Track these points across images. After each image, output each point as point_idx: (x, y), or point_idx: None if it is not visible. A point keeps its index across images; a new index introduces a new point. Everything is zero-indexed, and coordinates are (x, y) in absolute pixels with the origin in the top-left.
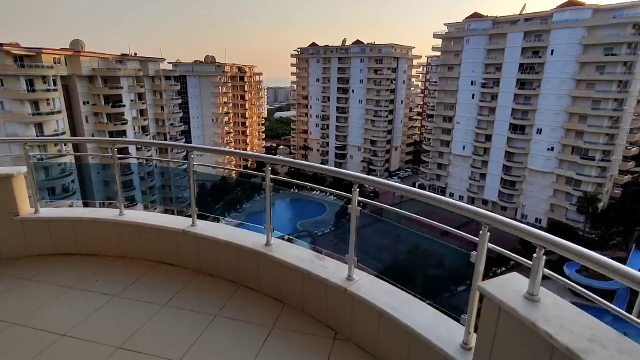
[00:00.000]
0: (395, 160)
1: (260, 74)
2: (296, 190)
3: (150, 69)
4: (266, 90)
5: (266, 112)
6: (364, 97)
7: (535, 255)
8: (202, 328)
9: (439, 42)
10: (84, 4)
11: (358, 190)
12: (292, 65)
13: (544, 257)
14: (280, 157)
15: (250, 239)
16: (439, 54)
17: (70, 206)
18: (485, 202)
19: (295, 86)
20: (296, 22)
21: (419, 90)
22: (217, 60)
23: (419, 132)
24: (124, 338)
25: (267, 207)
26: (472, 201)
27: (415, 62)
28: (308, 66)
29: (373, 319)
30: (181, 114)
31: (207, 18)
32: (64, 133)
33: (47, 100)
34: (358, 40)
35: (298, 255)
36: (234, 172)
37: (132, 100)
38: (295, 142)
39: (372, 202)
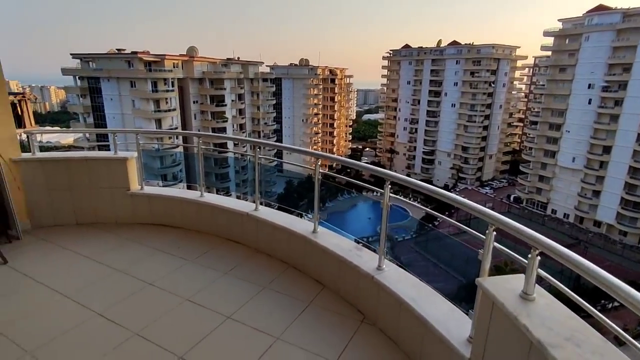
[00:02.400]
0: (489, 169)
1: (350, 76)
2: (377, 193)
3: (249, 72)
4: (356, 92)
5: (354, 114)
6: (457, 100)
7: (529, 255)
8: (252, 294)
9: (549, 41)
10: (198, 10)
11: (390, 186)
12: (383, 67)
13: (538, 258)
14: (323, 153)
15: (300, 225)
16: (548, 53)
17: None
18: (597, 224)
19: (384, 88)
20: (390, 25)
21: (522, 94)
22: (310, 63)
23: (519, 140)
24: (192, 292)
25: (315, 199)
26: (580, 220)
27: (519, 63)
28: (399, 68)
29: (395, 307)
30: (274, 114)
31: (304, 21)
32: (176, 128)
33: (166, 99)
34: (454, 41)
35: (338, 243)
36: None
37: (232, 100)
38: (382, 145)
39: (398, 197)
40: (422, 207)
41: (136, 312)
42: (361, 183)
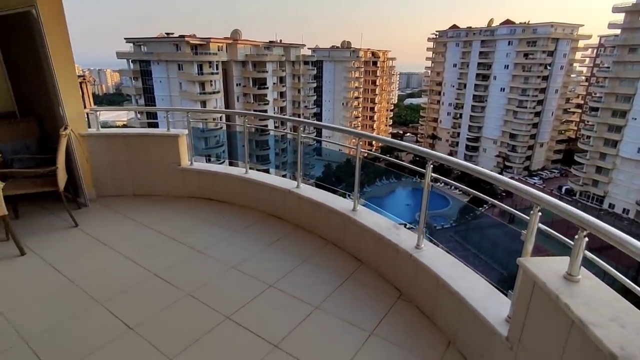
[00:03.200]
0: (539, 158)
1: (393, 59)
2: (417, 179)
3: (291, 54)
4: (398, 76)
5: (396, 98)
6: (508, 84)
7: (576, 236)
8: (293, 266)
9: (618, 17)
10: None
11: (432, 166)
12: (428, 49)
13: (585, 239)
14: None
15: (339, 203)
16: (617, 31)
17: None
18: None
19: (428, 71)
20: (437, 5)
21: (582, 78)
22: (352, 46)
23: (575, 128)
24: (237, 261)
25: (356, 177)
26: None
27: (581, 43)
28: (445, 50)
29: (432, 284)
30: (315, 97)
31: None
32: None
33: (211, 81)
34: (508, 20)
35: (377, 222)
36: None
37: (274, 83)
38: (423, 130)
39: (448, 180)
40: (468, 189)
41: (188, 275)
42: (404, 163)
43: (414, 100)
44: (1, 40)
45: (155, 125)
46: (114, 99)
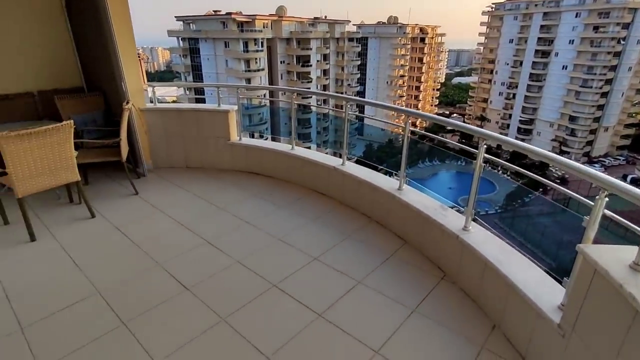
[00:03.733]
0: (602, 144)
1: (442, 35)
2: (462, 162)
3: (336, 31)
4: (447, 53)
5: (443, 77)
6: (571, 61)
7: None
8: (336, 242)
9: None
10: None
11: (485, 147)
12: (482, 24)
13: None
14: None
15: (385, 182)
16: None
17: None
18: None
19: (481, 48)
20: None
21: None
22: (399, 21)
23: None
24: (282, 233)
25: (403, 155)
26: None
27: None
28: (501, 24)
29: (478, 267)
30: (358, 75)
31: None
32: None
33: (255, 59)
34: None
35: (423, 202)
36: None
37: (317, 61)
38: (471, 111)
39: (500, 160)
40: (526, 172)
41: (237, 244)
42: (456, 143)
43: (463, 79)
44: (72, 17)
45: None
46: (164, 76)
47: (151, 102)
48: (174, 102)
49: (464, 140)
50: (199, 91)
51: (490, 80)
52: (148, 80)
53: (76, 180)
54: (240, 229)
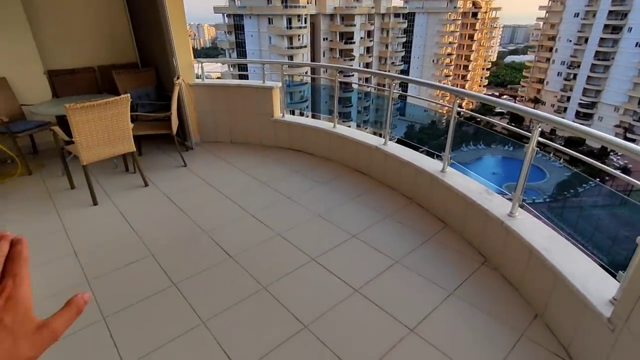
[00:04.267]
0: None
1: (497, 9)
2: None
3: (381, 6)
4: (501, 29)
5: (495, 55)
6: None
7: None
8: (375, 220)
9: None
10: None
11: (539, 130)
12: None
13: None
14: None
15: (427, 163)
16: None
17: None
18: None
19: (540, 23)
20: None
21: None
22: None
23: None
24: (322, 210)
25: (449, 137)
26: None
27: None
28: None
29: (523, 254)
30: (403, 53)
31: None
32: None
33: (298, 36)
34: None
35: (467, 185)
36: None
37: (361, 38)
38: (524, 93)
39: (555, 144)
40: (589, 159)
41: (278, 217)
42: (507, 125)
43: (517, 58)
44: None
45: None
46: (209, 52)
47: (198, 77)
48: (218, 78)
49: (513, 124)
50: (242, 68)
51: (548, 59)
52: (194, 57)
53: (132, 150)
54: (281, 203)
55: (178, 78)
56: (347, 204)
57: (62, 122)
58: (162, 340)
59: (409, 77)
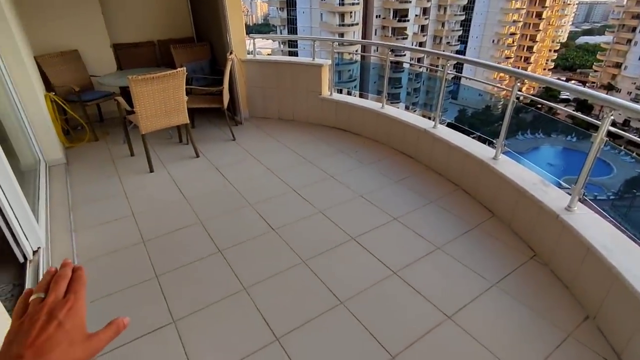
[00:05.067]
0: None
1: None
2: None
3: None
4: (575, 6)
5: (566, 35)
6: None
7: None
8: (418, 205)
9: None
10: None
11: (612, 118)
12: None
13: None
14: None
15: (478, 149)
16: None
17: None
18: None
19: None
20: None
21: None
22: None
23: None
24: (365, 191)
25: (505, 123)
26: None
27: None
28: None
29: (579, 251)
30: (460, 32)
31: None
32: None
33: (350, 13)
34: None
35: (521, 174)
36: (504, 93)
37: (416, 15)
38: (596, 79)
39: (630, 135)
40: None
41: (320, 195)
42: (569, 111)
43: (591, 39)
44: None
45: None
46: (261, 29)
47: (250, 53)
48: (268, 55)
49: (579, 113)
50: (293, 45)
51: (629, 41)
52: (247, 33)
53: (186, 122)
54: (325, 182)
55: (231, 53)
56: (391, 186)
57: (125, 93)
58: (208, 301)
59: (465, 57)
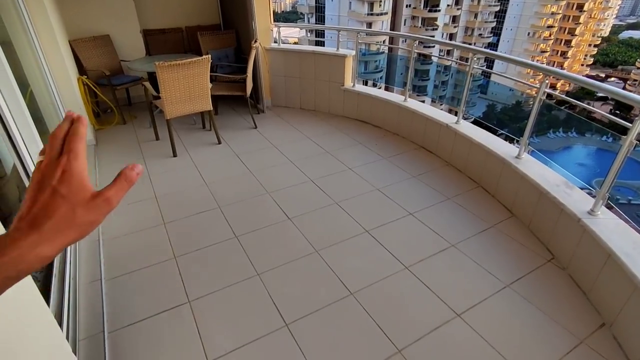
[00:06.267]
0: None
1: None
2: (609, 138)
3: None
4: None
5: (608, 29)
6: None
7: None
8: (435, 201)
9: None
10: None
11: None
12: None
13: None
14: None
15: (500, 147)
16: None
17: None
18: None
19: None
20: None
21: None
22: None
23: None
24: (382, 185)
25: (530, 122)
26: None
27: None
28: None
29: (599, 257)
30: (494, 24)
31: None
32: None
33: (380, 1)
34: None
35: (544, 174)
36: (531, 90)
37: (448, 5)
38: (638, 76)
39: None
40: None
41: (337, 187)
42: (600, 111)
43: (637, 34)
44: None
45: (322, 45)
46: (289, 17)
47: (275, 42)
48: (295, 43)
49: (617, 112)
50: (320, 34)
51: None
52: (274, 21)
53: (209, 109)
54: (343, 174)
55: (255, 41)
56: (409, 181)
57: (152, 78)
58: (222, 284)
59: (489, 51)
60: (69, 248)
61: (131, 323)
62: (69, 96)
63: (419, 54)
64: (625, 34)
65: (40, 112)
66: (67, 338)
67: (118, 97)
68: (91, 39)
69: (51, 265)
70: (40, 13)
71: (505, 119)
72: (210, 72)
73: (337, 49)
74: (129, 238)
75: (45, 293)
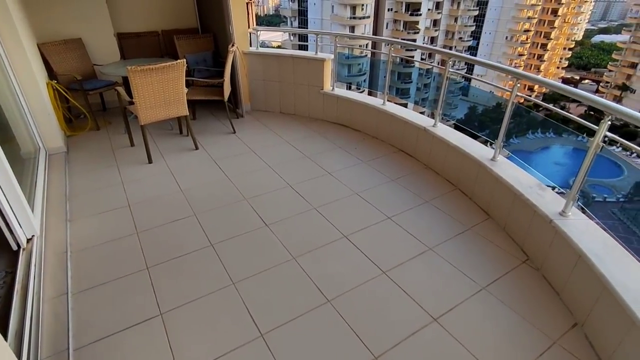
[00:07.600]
0: None
1: None
2: (583, 138)
3: None
4: (593, 4)
5: (581, 34)
6: None
7: None
8: (413, 205)
9: None
10: None
11: (609, 123)
12: None
13: None
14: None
15: (477, 150)
16: None
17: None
18: None
19: None
20: None
21: None
22: None
23: None
24: (361, 189)
25: (503, 125)
26: None
27: None
28: None
29: (570, 258)
30: (473, 28)
31: None
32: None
33: (362, 5)
34: None
35: (517, 177)
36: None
37: (429, 9)
38: (610, 78)
39: (626, 142)
40: None
41: (316, 191)
42: (572, 116)
43: (607, 37)
44: None
45: (305, 48)
46: (272, 20)
47: (252, 46)
48: (278, 47)
49: (591, 113)
50: (303, 38)
51: None
52: (258, 24)
53: (185, 114)
54: (322, 178)
55: (233, 45)
56: (388, 185)
57: (127, 83)
58: (195, 295)
59: (464, 55)
60: (33, 261)
61: (98, 339)
62: (36, 101)
63: (401, 58)
64: (597, 38)
65: (4, 118)
66: (29, 357)
67: (92, 102)
68: (62, 42)
69: (13, 279)
70: (2, 16)
71: (486, 121)
72: (187, 76)
73: (316, 52)
74: (99, 249)
75: (6, 310)
